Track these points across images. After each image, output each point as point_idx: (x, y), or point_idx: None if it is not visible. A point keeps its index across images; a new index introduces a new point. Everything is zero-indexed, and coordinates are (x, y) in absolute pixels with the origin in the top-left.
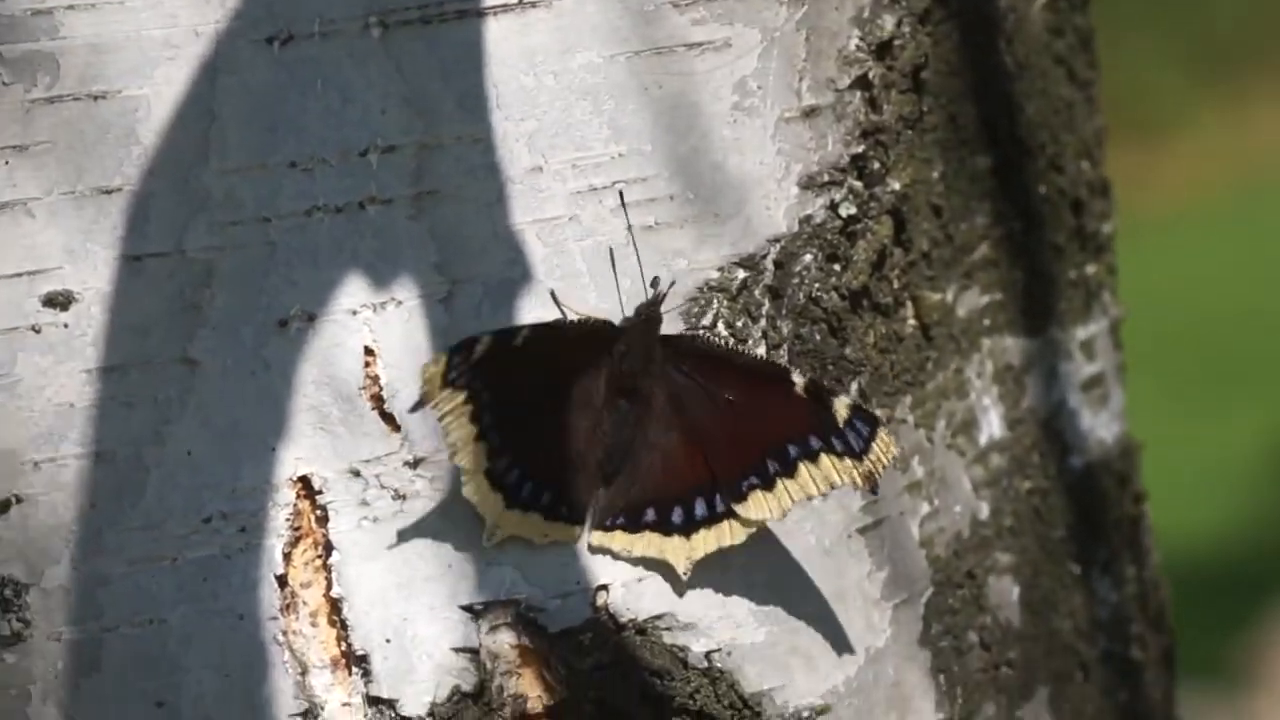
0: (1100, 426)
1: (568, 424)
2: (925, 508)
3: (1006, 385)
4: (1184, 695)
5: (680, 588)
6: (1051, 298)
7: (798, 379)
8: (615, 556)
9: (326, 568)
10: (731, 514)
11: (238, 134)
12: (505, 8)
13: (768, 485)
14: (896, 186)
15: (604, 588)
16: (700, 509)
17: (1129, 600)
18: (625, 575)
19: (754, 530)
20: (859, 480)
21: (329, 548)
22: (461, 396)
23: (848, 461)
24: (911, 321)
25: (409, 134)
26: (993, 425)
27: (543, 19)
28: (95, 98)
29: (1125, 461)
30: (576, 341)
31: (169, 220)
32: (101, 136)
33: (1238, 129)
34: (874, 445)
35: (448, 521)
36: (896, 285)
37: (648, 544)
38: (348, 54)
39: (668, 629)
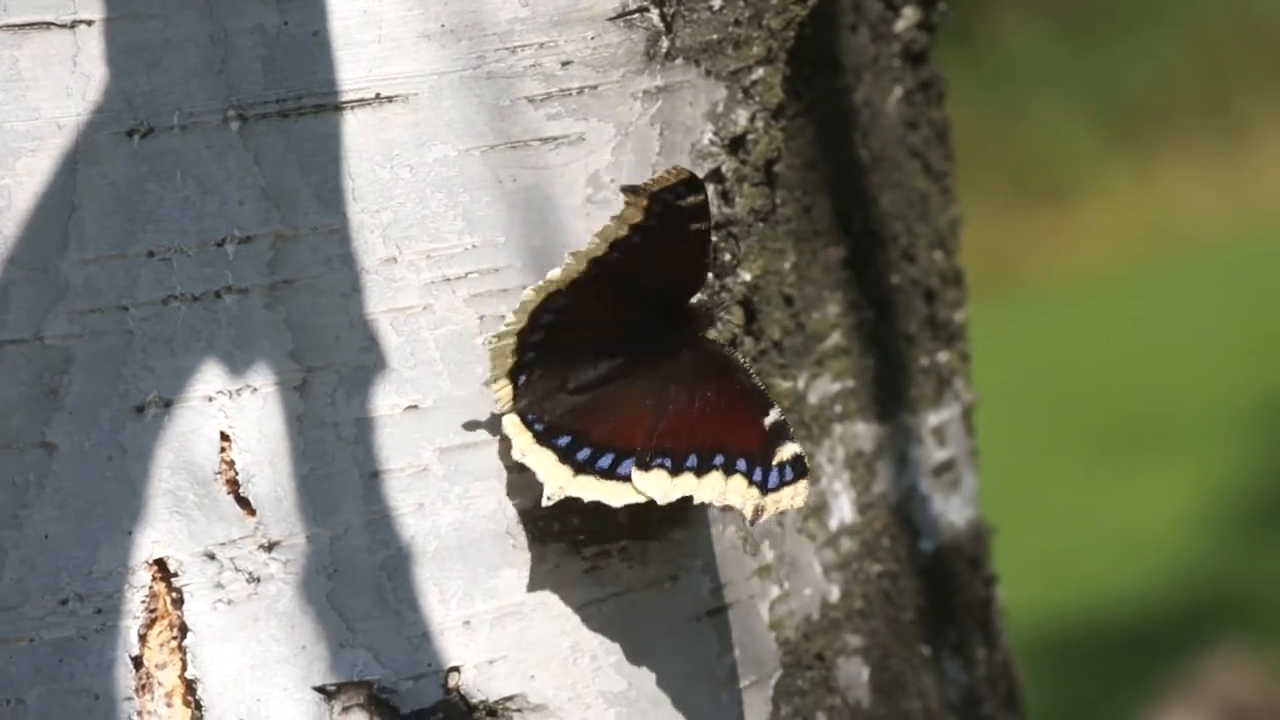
0: (951, 511)
1: (588, 318)
2: (775, 591)
3: (857, 471)
4: None
5: (532, 670)
6: (903, 385)
7: (773, 415)
8: (510, 442)
9: (181, 649)
10: (629, 479)
11: (97, 224)
12: (362, 102)
13: (675, 471)
14: (747, 277)
15: (456, 669)
16: (606, 461)
17: (980, 681)
18: (477, 658)
19: (630, 501)
20: (750, 510)
21: (184, 629)
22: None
23: (754, 490)
24: None
25: (266, 225)
26: (843, 510)
27: (399, 113)
28: None
29: (976, 545)
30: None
31: (29, 308)
32: None
33: (1148, 191)
34: (784, 489)
35: (301, 604)
36: None
37: (540, 457)
38: (207, 146)
39: (518, 710)
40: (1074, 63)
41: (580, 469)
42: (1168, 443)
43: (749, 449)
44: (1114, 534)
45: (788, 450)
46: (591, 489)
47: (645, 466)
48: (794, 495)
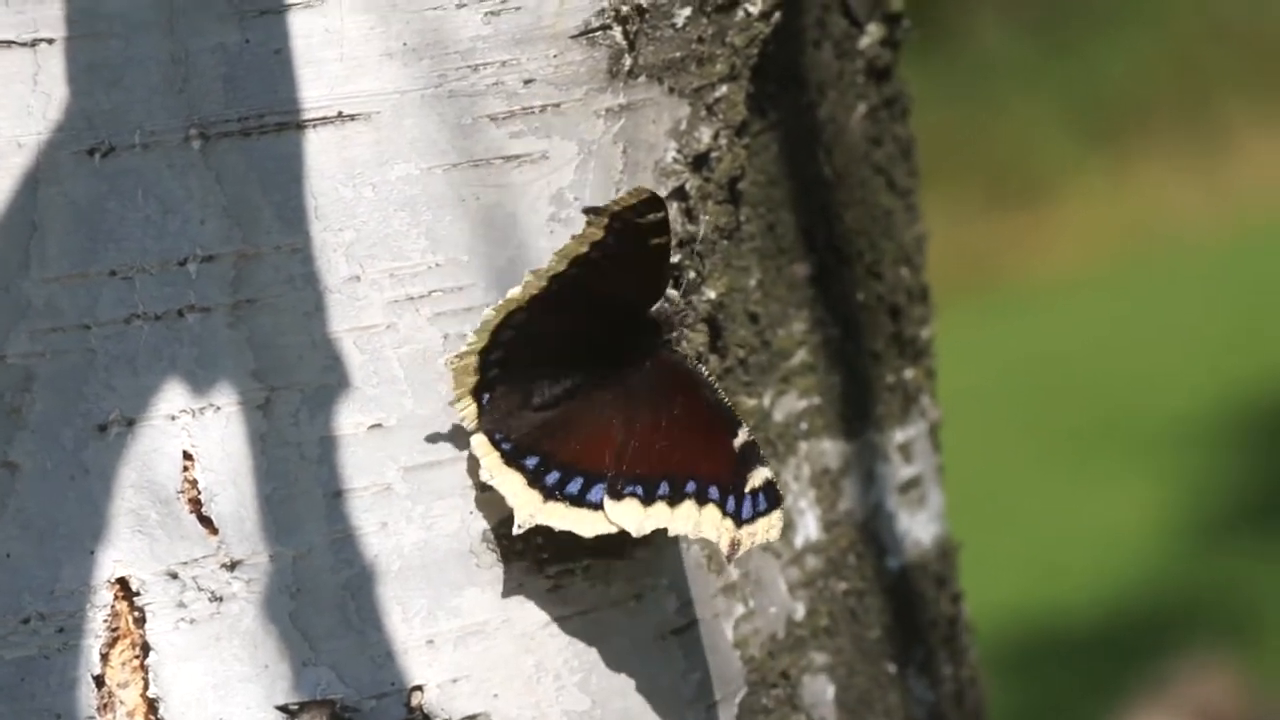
0: (918, 528)
1: (549, 333)
2: (740, 609)
3: (823, 488)
4: None
5: (495, 689)
6: (869, 402)
7: (741, 435)
8: (478, 461)
9: (144, 668)
10: (599, 506)
11: (58, 243)
12: (324, 120)
13: (647, 500)
14: (712, 295)
15: (419, 688)
16: (575, 486)
17: (946, 699)
18: (440, 676)
19: (602, 532)
20: (725, 544)
21: (146, 648)
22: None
23: (728, 522)
24: None
25: (228, 243)
26: (809, 527)
27: (361, 132)
28: None
29: (943, 562)
30: (627, 265)
31: None
32: None
33: (1126, 190)
34: (759, 521)
35: (264, 623)
36: None
37: (509, 479)
38: (168, 165)
39: None
40: (1050, 62)
41: (550, 494)
42: (1147, 444)
43: (720, 475)
44: (1092, 536)
45: (759, 476)
46: (561, 517)
47: (618, 495)
48: (769, 527)
